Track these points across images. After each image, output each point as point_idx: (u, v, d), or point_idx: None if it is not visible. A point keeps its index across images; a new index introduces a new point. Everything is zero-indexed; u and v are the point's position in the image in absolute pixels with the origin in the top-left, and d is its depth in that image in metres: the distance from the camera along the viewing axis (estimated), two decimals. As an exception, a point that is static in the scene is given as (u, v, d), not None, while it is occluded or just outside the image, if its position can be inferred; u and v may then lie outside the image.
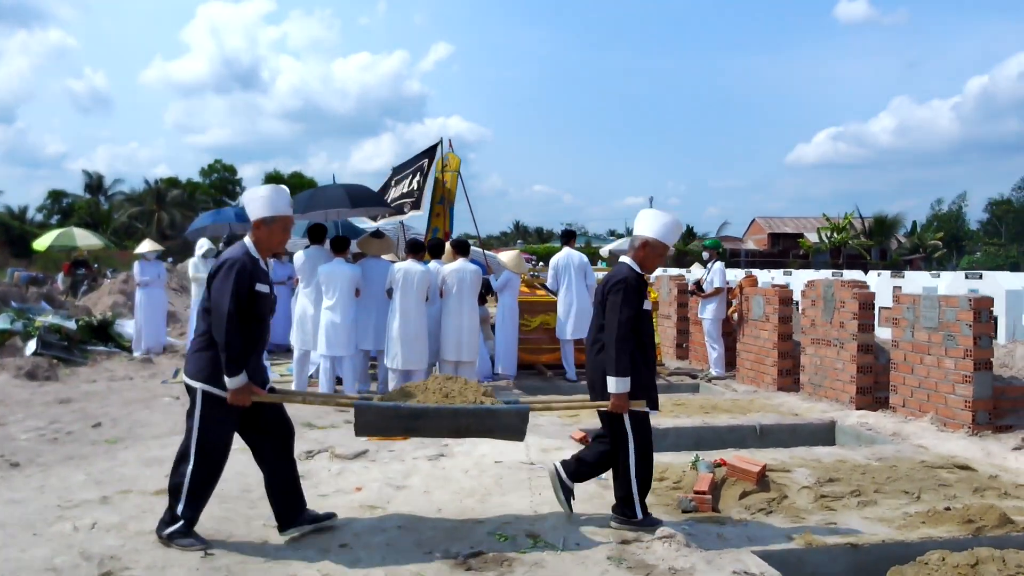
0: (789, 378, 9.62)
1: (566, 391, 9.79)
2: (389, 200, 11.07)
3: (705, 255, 10.98)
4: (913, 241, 52.15)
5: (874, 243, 51.15)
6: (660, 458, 5.88)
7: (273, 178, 73.17)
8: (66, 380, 9.71)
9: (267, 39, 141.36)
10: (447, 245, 9.40)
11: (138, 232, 56.35)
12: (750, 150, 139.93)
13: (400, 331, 8.20)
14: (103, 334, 11.79)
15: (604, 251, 28.36)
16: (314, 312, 8.73)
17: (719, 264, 10.72)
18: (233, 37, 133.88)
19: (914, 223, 57.26)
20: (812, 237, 57.60)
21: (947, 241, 55.90)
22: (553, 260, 10.27)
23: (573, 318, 9.85)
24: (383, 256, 9.20)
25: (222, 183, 73.91)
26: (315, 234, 8.91)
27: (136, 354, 11.61)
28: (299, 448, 5.90)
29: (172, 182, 65.40)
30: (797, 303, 10.35)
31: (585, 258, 10.40)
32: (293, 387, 8.93)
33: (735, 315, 10.60)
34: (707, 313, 10.48)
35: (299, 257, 8.85)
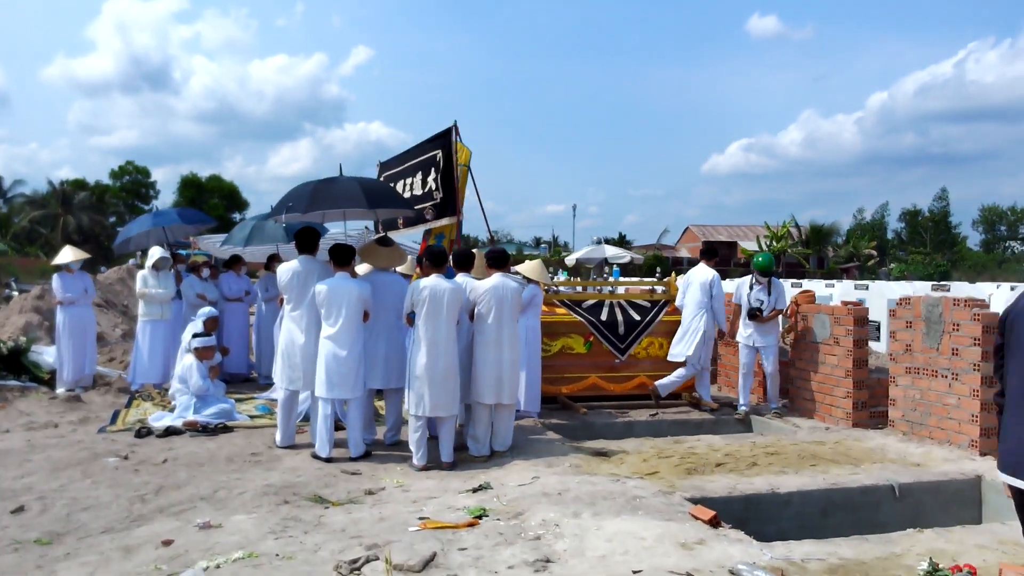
0: (865, 412, 8.20)
1: (639, 432, 8.11)
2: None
3: (758, 277, 8.85)
4: (848, 250, 52.76)
5: (812, 251, 51.52)
6: (822, 548, 4.30)
7: (190, 181, 69.16)
8: (-32, 430, 7.45)
9: (179, 38, 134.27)
10: (480, 256, 7.58)
11: (41, 238, 51.81)
12: (667, 159, 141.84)
13: (427, 368, 6.36)
14: (15, 364, 9.46)
15: (570, 260, 26.86)
16: (305, 341, 6.79)
17: (781, 283, 9.28)
18: (142, 35, 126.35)
19: (848, 232, 58.14)
20: (746, 245, 57.85)
21: (877, 250, 56.89)
22: (682, 278, 9.65)
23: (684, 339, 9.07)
24: (394, 269, 7.34)
25: (135, 186, 69.39)
26: (305, 240, 6.97)
27: (60, 390, 9.33)
28: (335, 554, 4.03)
29: (79, 184, 60.87)
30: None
31: (714, 276, 9.10)
32: (278, 437, 6.96)
33: (789, 336, 9.15)
34: (769, 339, 8.82)
35: (285, 270, 6.88)
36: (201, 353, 8.16)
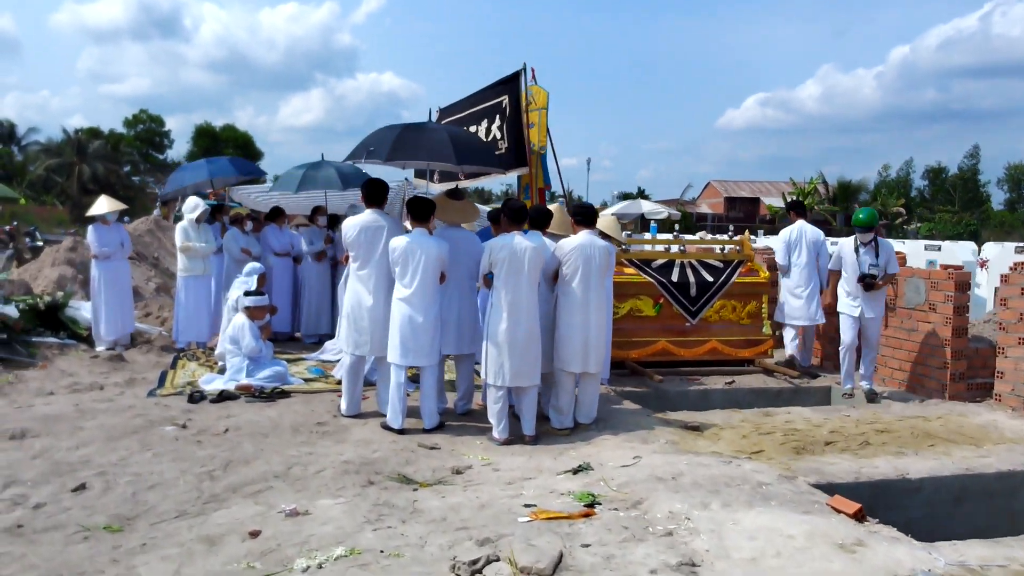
0: (963, 384, 7.63)
1: (716, 402, 7.60)
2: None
3: (861, 236, 7.65)
4: (876, 207, 51.56)
5: (839, 209, 50.44)
6: (996, 551, 3.78)
7: (205, 131, 68.17)
8: (9, 393, 6.98)
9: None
10: (562, 212, 6.97)
11: (57, 186, 51.28)
12: (682, 114, 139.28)
13: (508, 334, 5.81)
14: (53, 320, 8.99)
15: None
16: (373, 303, 6.24)
17: (889, 243, 8.01)
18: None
19: (875, 189, 56.97)
20: (769, 201, 56.69)
21: (905, 208, 55.68)
22: (783, 234, 8.99)
23: (806, 301, 8.64)
24: (464, 225, 6.76)
25: (148, 135, 68.58)
26: (374, 192, 6.36)
27: (99, 348, 8.86)
28: (444, 550, 3.53)
29: (94, 132, 60.17)
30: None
31: (820, 234, 8.80)
32: (343, 405, 6.46)
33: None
34: (878, 310, 7.70)
35: (352, 225, 6.29)
36: (253, 312, 7.65)
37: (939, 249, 12.01)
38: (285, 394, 7.08)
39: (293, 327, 10.32)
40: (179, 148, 67.88)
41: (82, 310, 9.40)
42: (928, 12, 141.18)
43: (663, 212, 23.82)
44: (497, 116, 8.07)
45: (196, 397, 6.84)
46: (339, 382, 7.49)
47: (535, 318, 5.95)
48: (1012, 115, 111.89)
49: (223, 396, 6.91)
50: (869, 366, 7.78)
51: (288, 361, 8.25)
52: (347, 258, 6.48)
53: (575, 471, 5.06)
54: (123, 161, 60.08)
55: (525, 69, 7.76)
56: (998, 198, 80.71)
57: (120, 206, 9.14)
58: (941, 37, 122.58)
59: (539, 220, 6.53)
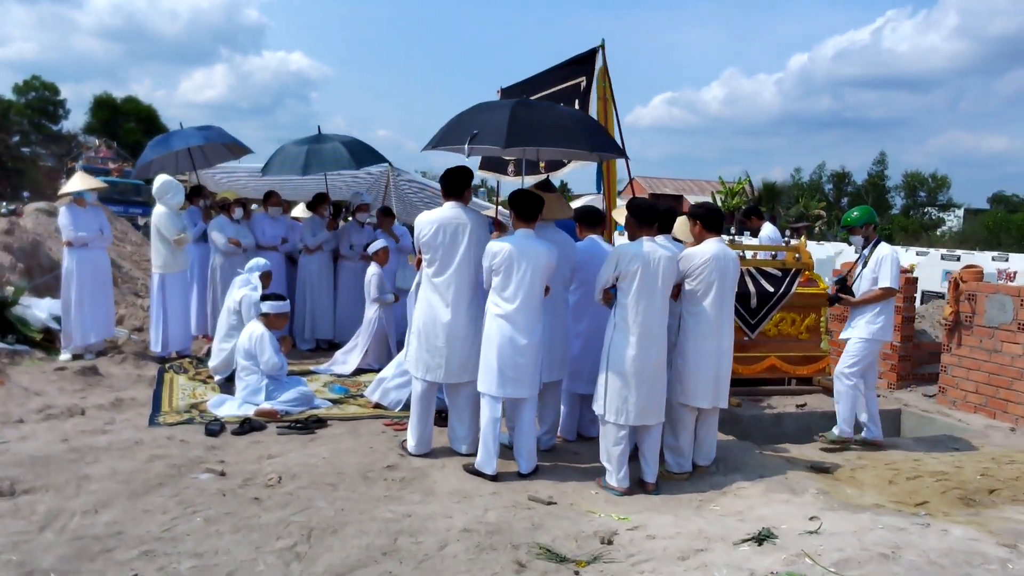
0: (1053, 411, 7.08)
1: (790, 427, 6.72)
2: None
3: (855, 237, 6.44)
4: (799, 209, 52.86)
5: (765, 209, 51.35)
6: None
7: (104, 102, 63.37)
8: (-36, 418, 5.46)
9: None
10: (682, 217, 5.96)
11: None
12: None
13: (636, 364, 4.77)
14: (1, 322, 7.34)
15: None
16: (452, 318, 5.09)
17: (889, 249, 6.20)
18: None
19: (797, 190, 58.40)
20: (692, 198, 57.31)
21: (826, 211, 57.31)
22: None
23: None
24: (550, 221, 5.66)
25: (41, 103, 63.37)
26: (456, 182, 5.18)
27: (64, 356, 7.31)
28: None
29: (-25, 98, 55.02)
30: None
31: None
32: (411, 442, 5.28)
33: (949, 319, 7.92)
34: (861, 330, 6.10)
35: (428, 222, 5.10)
36: (273, 321, 6.34)
37: (958, 259, 11.67)
38: (321, 422, 5.82)
39: (289, 331, 8.93)
40: (75, 119, 62.89)
41: (34, 308, 7.78)
42: (825, 23, 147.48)
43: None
44: (576, 100, 6.97)
45: (215, 428, 5.50)
46: (376, 405, 6.32)
47: (665, 344, 4.94)
48: (895, 125, 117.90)
49: (248, 426, 5.60)
50: (864, 408, 6.18)
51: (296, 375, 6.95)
52: (419, 261, 5.29)
53: (758, 540, 4.08)
54: (12, 131, 55.17)
55: (604, 46, 6.69)
56: (895, 204, 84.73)
57: (98, 185, 7.56)
58: (837, 48, 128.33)
59: (590, 221, 5.61)
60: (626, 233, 5.14)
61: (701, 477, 5.21)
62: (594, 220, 5.84)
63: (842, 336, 6.33)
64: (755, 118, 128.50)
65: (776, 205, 50.98)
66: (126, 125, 61.76)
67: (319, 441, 5.45)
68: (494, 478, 4.89)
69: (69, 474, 4.48)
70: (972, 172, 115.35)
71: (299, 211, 10.26)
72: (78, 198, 7.36)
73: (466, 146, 4.80)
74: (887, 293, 6.06)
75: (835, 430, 6.16)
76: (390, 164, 11.16)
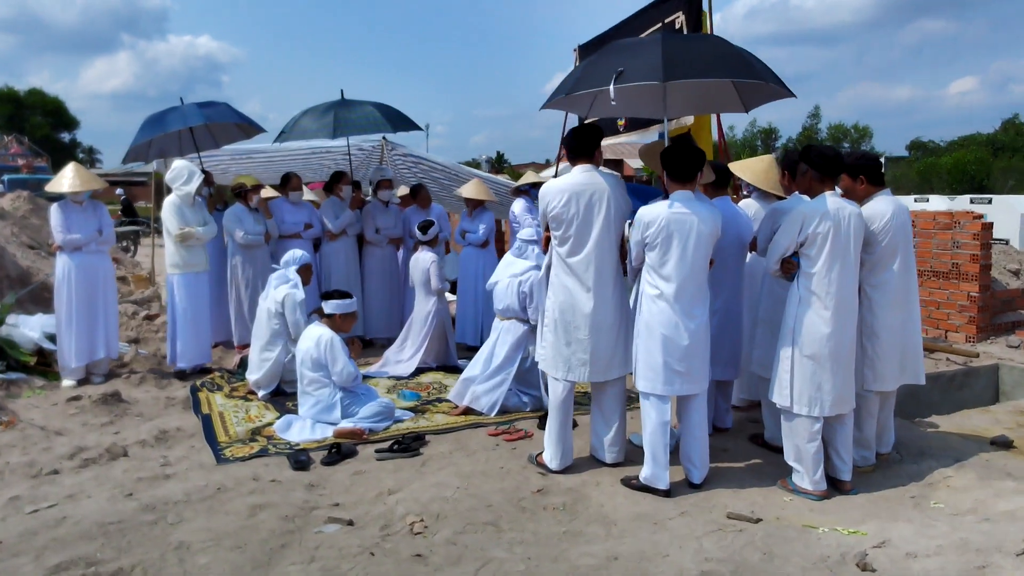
0: None
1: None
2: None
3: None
4: (738, 166, 53.18)
5: (709, 167, 51.45)
6: None
7: (6, 96, 59.16)
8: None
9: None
10: (765, 160, 5.23)
11: None
12: (513, 80, 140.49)
13: (833, 343, 4.00)
14: (-14, 347, 6.11)
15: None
16: (595, 305, 4.21)
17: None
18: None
19: (734, 146, 58.73)
20: (631, 162, 56.92)
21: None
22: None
23: None
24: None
25: (-73, 96, 58.72)
26: (585, 141, 4.27)
27: (67, 382, 6.14)
28: None
29: None
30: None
31: None
32: (550, 456, 4.40)
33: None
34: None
35: (556, 190, 4.19)
36: (340, 322, 5.36)
37: (989, 202, 11.29)
38: (420, 439, 4.88)
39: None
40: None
41: (23, 327, 6.54)
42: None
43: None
44: None
45: (303, 459, 4.51)
46: (466, 411, 5.43)
47: (857, 318, 4.17)
48: (805, 79, 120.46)
49: (339, 453, 4.62)
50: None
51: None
52: (546, 239, 4.38)
53: (1046, 549, 3.38)
54: None
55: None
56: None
57: (96, 184, 6.31)
58: (747, 6, 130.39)
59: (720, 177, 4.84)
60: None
61: (887, 466, 4.50)
62: (724, 179, 5.02)
63: None
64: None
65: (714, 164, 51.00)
66: (32, 119, 57.83)
67: (432, 464, 4.52)
68: (667, 493, 4.07)
69: (159, 544, 3.46)
70: (885, 121, 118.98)
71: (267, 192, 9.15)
72: (71, 195, 6.13)
73: (611, 86, 3.86)
74: None
75: None
76: (384, 137, 10.13)
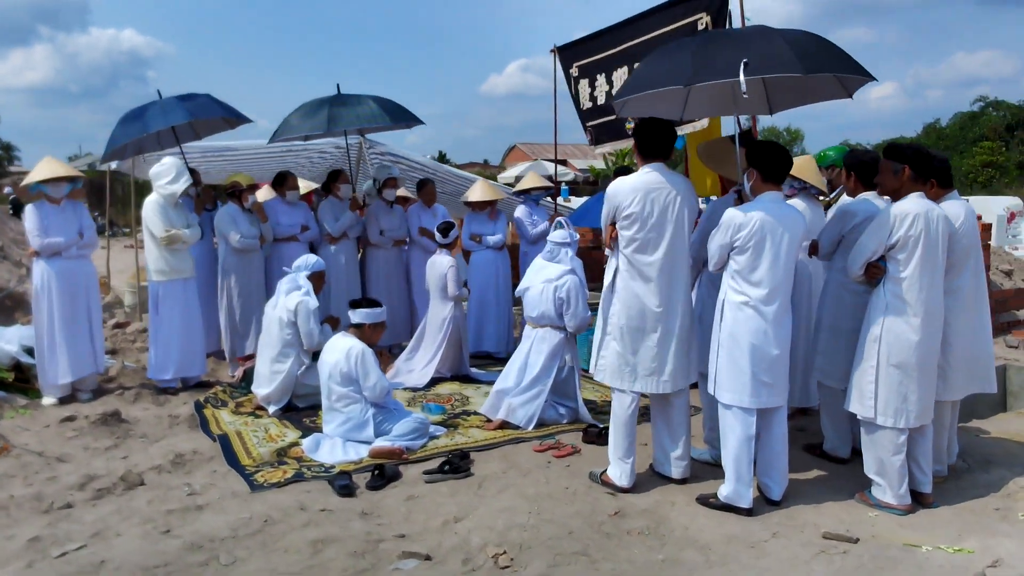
0: None
1: None
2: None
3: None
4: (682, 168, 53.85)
5: (654, 169, 51.97)
6: None
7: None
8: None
9: None
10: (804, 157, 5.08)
11: None
12: (447, 79, 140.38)
13: (920, 352, 3.83)
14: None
15: (506, 177, 23.87)
16: (663, 310, 3.97)
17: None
18: None
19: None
20: (575, 163, 57.20)
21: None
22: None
23: None
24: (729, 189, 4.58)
25: None
26: (657, 139, 4.01)
27: (48, 400, 5.59)
28: None
29: None
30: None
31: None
32: (619, 475, 4.13)
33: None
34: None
35: (627, 189, 3.93)
36: (369, 333, 4.99)
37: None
38: (466, 457, 4.54)
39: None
40: None
41: (-4, 339, 5.94)
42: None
43: (568, 173, 22.15)
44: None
45: (345, 483, 4.13)
46: (500, 426, 5.13)
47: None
48: None
49: (383, 476, 4.26)
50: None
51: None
52: (611, 238, 4.10)
53: None
54: None
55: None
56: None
57: (73, 173, 5.75)
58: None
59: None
60: (747, 192, 4.02)
61: (958, 476, 4.37)
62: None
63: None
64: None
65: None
66: (-52, 119, 54.85)
67: (489, 486, 4.20)
68: (749, 512, 3.84)
69: (223, 591, 3.06)
70: (814, 124, 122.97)
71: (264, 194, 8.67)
72: (45, 193, 5.57)
73: (741, 77, 3.58)
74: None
75: None
76: (362, 136, 9.71)
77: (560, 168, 24.14)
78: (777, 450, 3.97)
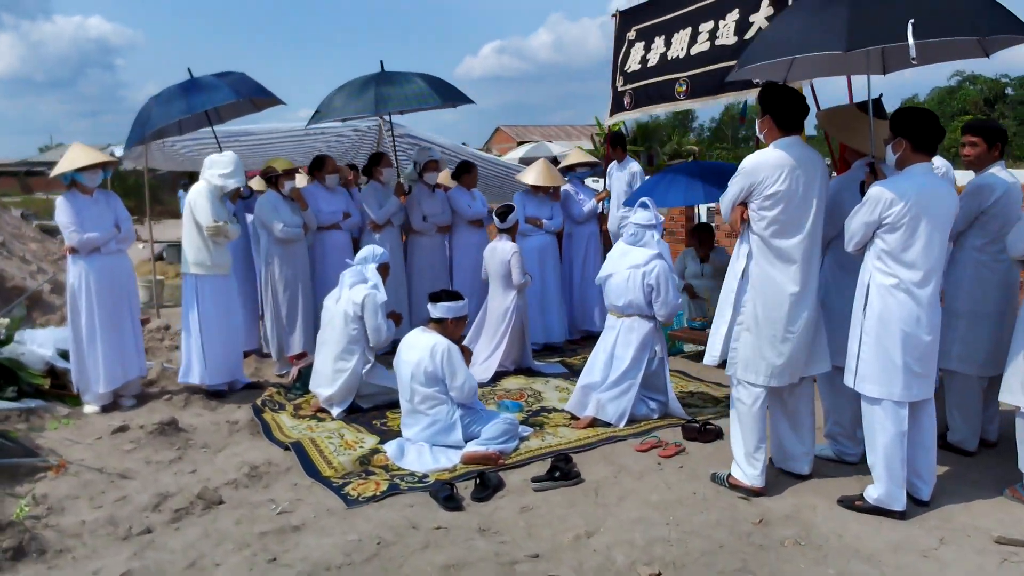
0: None
1: None
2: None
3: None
4: (672, 147, 53.58)
5: (642, 149, 51.66)
6: None
7: None
8: (55, 559, 3.41)
9: None
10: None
11: None
12: (422, 61, 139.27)
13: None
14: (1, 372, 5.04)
15: (510, 158, 23.33)
16: (800, 291, 3.63)
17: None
18: None
19: (671, 128, 59.18)
20: (558, 147, 56.74)
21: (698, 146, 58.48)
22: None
23: None
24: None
25: None
26: (796, 109, 3.61)
27: (90, 407, 5.16)
28: None
29: None
30: None
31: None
32: (749, 474, 3.79)
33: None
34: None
35: (771, 165, 3.55)
36: (451, 328, 4.59)
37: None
38: (569, 460, 4.17)
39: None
40: None
41: (31, 343, 5.47)
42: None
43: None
44: (737, 8, 5.49)
45: (451, 497, 3.75)
46: (590, 423, 4.78)
47: None
48: None
49: (487, 486, 3.88)
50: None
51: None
52: (742, 218, 3.72)
53: None
54: None
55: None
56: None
57: (107, 157, 5.27)
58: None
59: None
60: (885, 164, 3.68)
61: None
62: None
63: None
64: (584, 63, 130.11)
65: (653, 144, 51.27)
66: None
67: (607, 494, 3.84)
68: (902, 515, 3.51)
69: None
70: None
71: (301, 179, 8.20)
72: (79, 183, 5.11)
73: (910, 40, 3.18)
74: None
75: None
76: (381, 118, 9.25)
77: (562, 149, 23.66)
78: (927, 445, 3.64)
